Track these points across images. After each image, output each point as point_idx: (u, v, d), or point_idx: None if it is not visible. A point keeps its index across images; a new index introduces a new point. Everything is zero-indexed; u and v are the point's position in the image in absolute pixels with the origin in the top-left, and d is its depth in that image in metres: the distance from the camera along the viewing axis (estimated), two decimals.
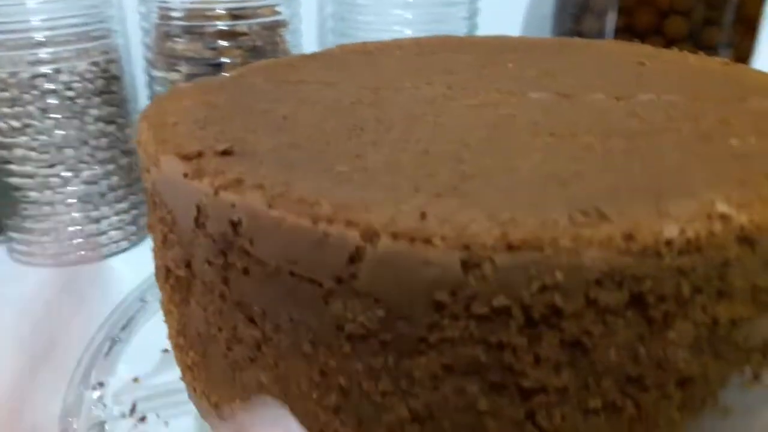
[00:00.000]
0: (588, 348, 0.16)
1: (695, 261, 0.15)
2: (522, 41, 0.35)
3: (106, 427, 0.26)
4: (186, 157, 0.19)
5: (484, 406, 0.16)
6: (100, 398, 0.27)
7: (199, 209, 0.18)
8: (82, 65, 0.49)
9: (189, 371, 0.22)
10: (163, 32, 0.47)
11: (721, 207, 0.15)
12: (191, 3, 0.46)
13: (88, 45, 0.49)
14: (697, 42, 0.46)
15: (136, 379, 0.29)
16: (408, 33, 0.49)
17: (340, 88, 0.27)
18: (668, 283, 0.15)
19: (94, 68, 0.49)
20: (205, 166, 0.18)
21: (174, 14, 0.47)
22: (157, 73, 0.49)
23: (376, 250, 0.15)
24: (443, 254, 0.15)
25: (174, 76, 0.48)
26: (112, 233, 0.54)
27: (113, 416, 0.27)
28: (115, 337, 0.30)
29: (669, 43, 0.46)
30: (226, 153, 0.19)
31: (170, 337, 0.23)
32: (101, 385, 0.28)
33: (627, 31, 0.47)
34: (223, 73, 0.47)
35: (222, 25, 0.46)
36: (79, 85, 0.49)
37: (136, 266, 0.53)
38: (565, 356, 0.16)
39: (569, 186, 0.17)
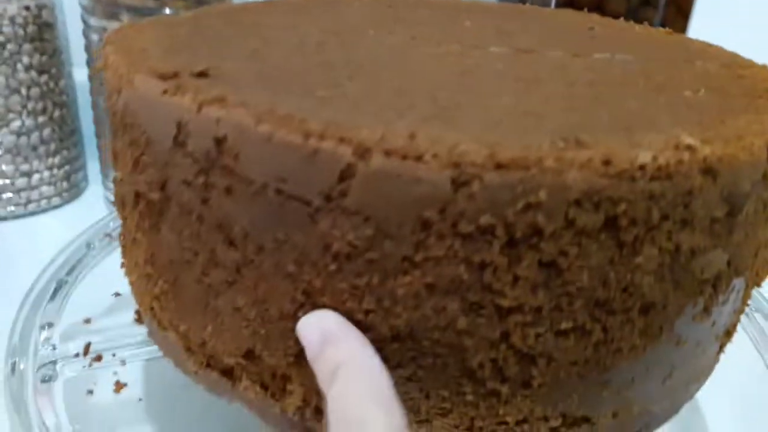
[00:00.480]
0: (563, 269, 0.16)
1: (664, 187, 0.16)
2: (476, 4, 0.36)
3: (57, 366, 0.25)
4: (162, 76, 0.19)
5: (463, 325, 0.17)
6: (48, 339, 0.26)
7: (179, 126, 0.17)
8: (12, 8, 0.47)
9: (156, 301, 0.21)
10: None
11: (687, 140, 0.17)
12: None
13: None
14: (635, 21, 0.48)
15: (87, 320, 0.28)
16: None
17: (302, 31, 0.27)
18: (640, 206, 0.16)
19: (25, 12, 0.47)
20: (183, 85, 0.18)
21: None
22: (94, 22, 0.47)
23: (368, 167, 0.16)
24: (434, 172, 0.15)
25: (113, 25, 0.46)
26: (44, 189, 0.52)
27: (65, 356, 0.26)
28: (60, 279, 0.29)
29: None
30: (202, 74, 0.19)
31: (133, 269, 0.23)
32: (50, 325, 0.27)
33: (568, 6, 0.49)
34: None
35: None
36: (9, 29, 0.47)
37: (69, 224, 0.52)
38: (542, 277, 0.16)
39: (545, 120, 0.18)
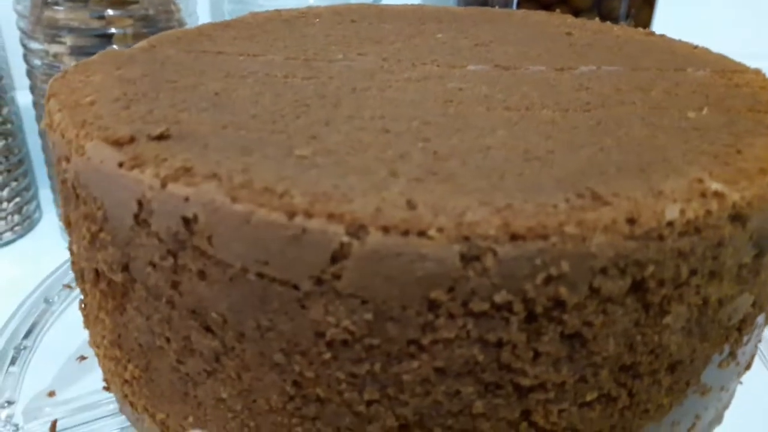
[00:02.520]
0: (587, 339, 0.15)
1: (694, 242, 0.14)
2: (444, 11, 0.34)
3: None
4: (117, 143, 0.16)
5: (479, 409, 0.15)
6: (10, 418, 0.24)
7: (140, 204, 0.15)
8: None
9: (127, 386, 0.19)
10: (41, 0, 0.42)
11: (713, 185, 0.15)
12: None
13: None
14: (601, 12, 0.47)
15: (51, 393, 0.26)
16: (310, 2, 0.47)
17: (266, 60, 0.25)
18: (668, 266, 0.14)
19: None
20: (143, 153, 0.16)
21: None
22: (35, 45, 0.43)
23: (364, 246, 0.13)
24: (440, 247, 0.13)
25: (56, 48, 0.43)
26: None
27: None
28: (19, 345, 0.27)
29: (574, 14, 0.46)
30: (162, 137, 0.17)
31: (98, 346, 0.21)
32: (10, 403, 0.24)
33: (533, 2, 0.47)
34: (114, 46, 0.43)
35: None
36: None
37: (24, 259, 0.49)
38: (565, 350, 0.15)
39: (550, 164, 0.16)
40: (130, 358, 0.18)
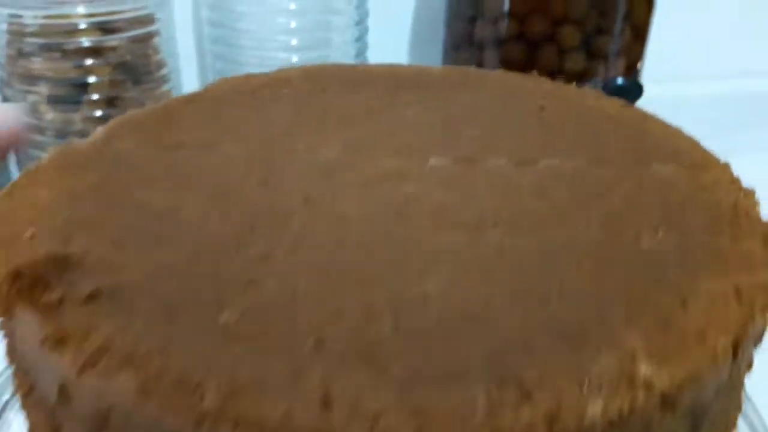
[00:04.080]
0: None
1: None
2: (419, 74, 0.33)
3: None
4: (45, 307, 0.16)
5: None
6: None
7: (61, 388, 0.15)
8: None
9: None
10: (17, 49, 0.42)
11: (643, 367, 0.15)
12: (46, 18, 0.41)
13: None
14: (590, 50, 0.46)
15: None
16: (292, 42, 0.46)
17: (224, 153, 0.24)
18: None
19: None
20: (67, 325, 0.16)
21: (28, 30, 0.41)
22: (12, 94, 0.43)
23: None
24: None
25: (32, 97, 0.43)
26: None
27: None
28: None
29: (561, 52, 0.46)
30: (92, 297, 0.16)
31: None
32: None
33: (520, 38, 0.46)
34: (93, 98, 0.42)
35: (86, 40, 0.42)
36: None
37: None
38: None
39: (482, 328, 0.16)
40: None
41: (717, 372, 0.16)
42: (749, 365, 0.18)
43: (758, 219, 0.21)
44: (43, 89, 0.42)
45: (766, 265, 0.19)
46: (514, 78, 0.34)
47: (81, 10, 0.41)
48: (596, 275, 0.18)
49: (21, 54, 0.42)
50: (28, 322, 0.16)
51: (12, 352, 0.18)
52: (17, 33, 0.41)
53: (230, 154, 0.25)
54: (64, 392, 0.15)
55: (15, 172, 0.51)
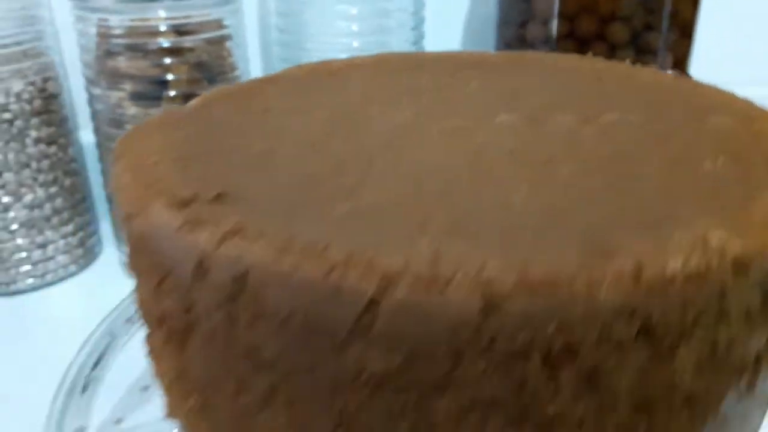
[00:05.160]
0: (602, 377, 0.16)
1: (696, 292, 0.16)
2: (480, 57, 0.36)
3: None
4: (177, 205, 0.18)
5: None
6: None
7: (199, 262, 0.17)
8: (18, 85, 0.47)
9: (190, 414, 0.21)
10: (104, 50, 0.46)
11: (715, 238, 0.16)
12: (131, 21, 0.44)
13: (23, 64, 0.47)
14: (639, 47, 0.48)
15: (118, 421, 0.28)
16: (354, 45, 0.49)
17: (309, 117, 0.27)
18: (673, 313, 0.16)
19: (30, 88, 0.48)
20: (200, 215, 0.18)
21: (115, 32, 0.45)
22: (98, 92, 0.47)
23: (393, 298, 0.15)
24: (461, 299, 0.15)
25: (117, 94, 0.46)
26: (60, 258, 0.52)
27: None
28: (87, 376, 0.29)
29: (611, 48, 0.48)
30: (217, 199, 0.19)
31: (161, 378, 0.23)
32: (82, 429, 0.27)
33: (570, 37, 0.49)
34: (171, 94, 0.46)
35: (166, 41, 0.45)
36: (16, 106, 0.47)
37: (87, 290, 0.52)
38: (582, 387, 0.16)
39: (566, 220, 0.18)
40: (192, 392, 0.20)
41: None
42: None
43: None
44: (128, 86, 0.46)
45: None
46: (570, 58, 0.36)
47: (162, 14, 0.45)
48: (663, 190, 0.20)
49: (108, 54, 0.45)
50: (164, 215, 0.18)
51: (140, 255, 0.20)
52: (105, 35, 0.45)
53: (314, 117, 0.27)
54: (201, 267, 0.17)
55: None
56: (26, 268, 0.51)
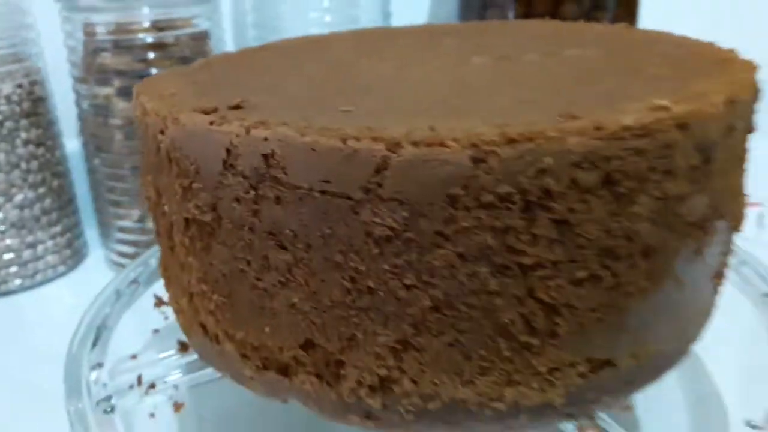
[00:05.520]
0: (573, 224, 0.19)
1: (647, 143, 0.19)
2: (448, 26, 0.39)
3: (113, 400, 0.27)
4: (205, 111, 0.21)
5: (493, 287, 0.20)
6: (99, 378, 0.28)
7: (228, 151, 0.20)
8: (7, 87, 0.49)
9: (211, 316, 0.24)
10: (91, 49, 0.48)
11: (661, 102, 0.20)
12: (116, 18, 0.47)
13: (11, 67, 0.50)
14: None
15: (133, 356, 0.30)
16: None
17: (306, 67, 0.30)
18: (629, 161, 0.19)
19: (19, 90, 0.50)
20: (227, 116, 0.21)
21: (100, 30, 0.48)
22: (86, 90, 0.49)
23: (400, 157, 0.18)
24: (455, 153, 0.18)
25: (106, 90, 0.49)
26: (49, 258, 0.54)
27: (119, 389, 0.28)
28: (99, 326, 0.31)
29: None
30: (238, 107, 0.22)
31: (180, 295, 0.25)
32: (99, 366, 0.29)
33: (526, 17, 0.53)
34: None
35: (149, 37, 0.48)
36: (6, 108, 0.49)
37: (77, 289, 0.53)
38: (555, 233, 0.19)
39: (540, 104, 0.21)
40: (215, 290, 0.23)
41: (717, 118, 0.21)
42: (748, 130, 0.23)
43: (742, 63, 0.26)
44: (116, 82, 0.48)
45: (743, 71, 0.24)
46: (529, 21, 0.40)
47: (145, 11, 0.48)
48: (618, 80, 0.23)
49: (95, 52, 0.48)
50: (195, 118, 0.21)
51: (167, 168, 0.23)
52: (91, 33, 0.48)
53: (308, 68, 0.30)
54: (230, 154, 0.20)
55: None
56: (15, 268, 0.52)
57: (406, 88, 0.25)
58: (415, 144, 0.18)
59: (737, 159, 0.23)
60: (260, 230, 0.21)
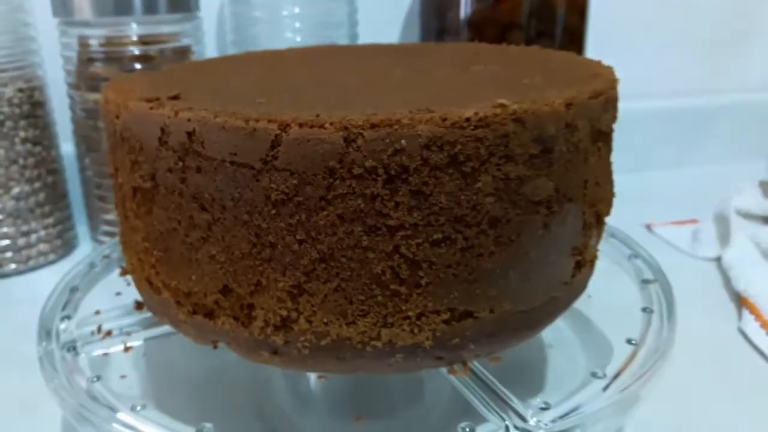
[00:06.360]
0: (427, 195, 0.25)
1: (486, 132, 0.24)
2: (394, 46, 0.45)
3: (78, 344, 0.33)
4: (148, 100, 0.27)
5: (366, 243, 0.25)
6: (68, 327, 0.34)
7: (162, 130, 0.26)
8: (9, 91, 0.55)
9: (152, 269, 0.29)
10: (85, 59, 0.54)
11: (501, 101, 0.25)
12: (107, 32, 0.53)
13: (15, 74, 0.56)
14: None
15: (97, 312, 0.36)
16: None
17: (251, 71, 0.36)
18: (470, 146, 0.24)
19: (20, 94, 0.56)
20: (163, 104, 0.26)
21: (93, 42, 0.54)
22: (79, 95, 0.55)
23: (289, 136, 0.24)
24: (332, 134, 0.24)
25: (96, 96, 0.55)
26: (42, 246, 0.59)
27: (83, 336, 0.33)
28: (73, 287, 0.37)
29: None
30: (175, 97, 0.27)
31: (132, 254, 0.31)
32: (68, 318, 0.34)
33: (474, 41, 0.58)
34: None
35: (136, 49, 0.54)
36: (8, 109, 0.55)
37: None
38: (414, 201, 0.25)
39: (409, 101, 0.26)
40: (155, 246, 0.28)
41: (554, 116, 0.26)
42: (594, 130, 0.28)
43: (607, 77, 0.32)
44: None
45: (601, 83, 0.29)
46: (462, 44, 0.45)
47: (133, 27, 0.54)
48: (486, 87, 0.29)
49: (88, 61, 0.54)
50: (139, 105, 0.27)
51: (122, 145, 0.29)
52: (85, 45, 0.54)
53: (252, 72, 0.36)
54: (163, 132, 0.26)
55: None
56: (11, 254, 0.58)
57: (320, 89, 0.30)
58: (301, 126, 0.24)
59: (585, 153, 0.28)
60: (186, 195, 0.26)
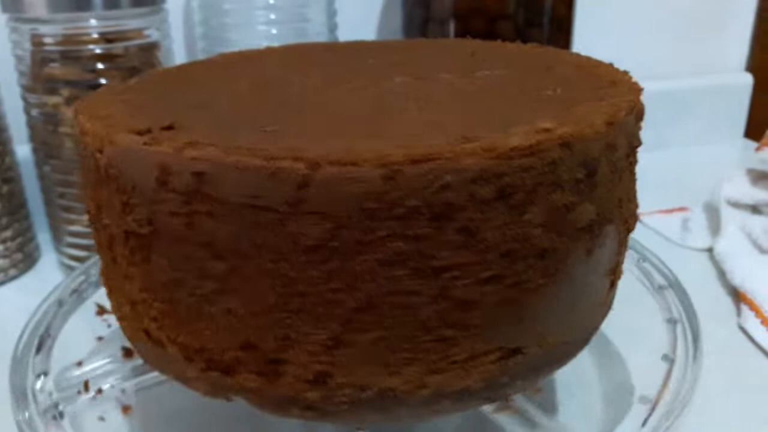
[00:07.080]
0: (474, 232, 0.22)
1: (533, 161, 0.22)
2: (376, 43, 0.42)
3: (60, 407, 0.29)
4: (139, 133, 0.23)
5: (410, 287, 0.22)
6: (44, 386, 0.30)
7: (162, 169, 0.22)
8: None
9: (153, 322, 0.26)
10: (39, 58, 0.49)
11: (545, 125, 0.23)
12: (64, 29, 0.48)
13: None
14: (524, 42, 0.55)
15: (79, 363, 0.32)
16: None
17: (236, 82, 0.32)
18: (518, 177, 0.22)
19: None
20: (158, 137, 0.23)
21: (48, 40, 0.49)
22: (35, 98, 0.51)
23: (319, 176, 0.21)
24: (368, 172, 0.21)
25: (54, 99, 0.50)
26: (0, 262, 0.55)
27: (67, 396, 0.30)
28: (42, 334, 0.33)
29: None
30: (170, 127, 0.24)
31: (124, 303, 0.27)
32: (45, 374, 0.30)
33: (464, 35, 0.56)
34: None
35: (97, 48, 0.49)
36: None
37: (28, 291, 0.54)
38: (461, 239, 0.22)
39: (443, 126, 0.24)
40: (156, 297, 0.25)
41: (597, 137, 0.24)
42: (631, 145, 0.26)
43: (630, 85, 0.30)
44: (65, 92, 0.50)
45: (628, 93, 0.27)
46: (452, 40, 0.43)
47: (92, 22, 0.49)
48: (514, 104, 0.26)
49: (43, 62, 0.49)
50: (130, 138, 0.23)
51: (106, 183, 0.25)
52: (39, 44, 0.49)
53: (239, 83, 0.32)
54: (163, 172, 0.22)
55: None
56: None
57: (328, 108, 0.27)
58: (332, 164, 0.21)
59: (621, 171, 0.26)
60: (195, 242, 0.23)
